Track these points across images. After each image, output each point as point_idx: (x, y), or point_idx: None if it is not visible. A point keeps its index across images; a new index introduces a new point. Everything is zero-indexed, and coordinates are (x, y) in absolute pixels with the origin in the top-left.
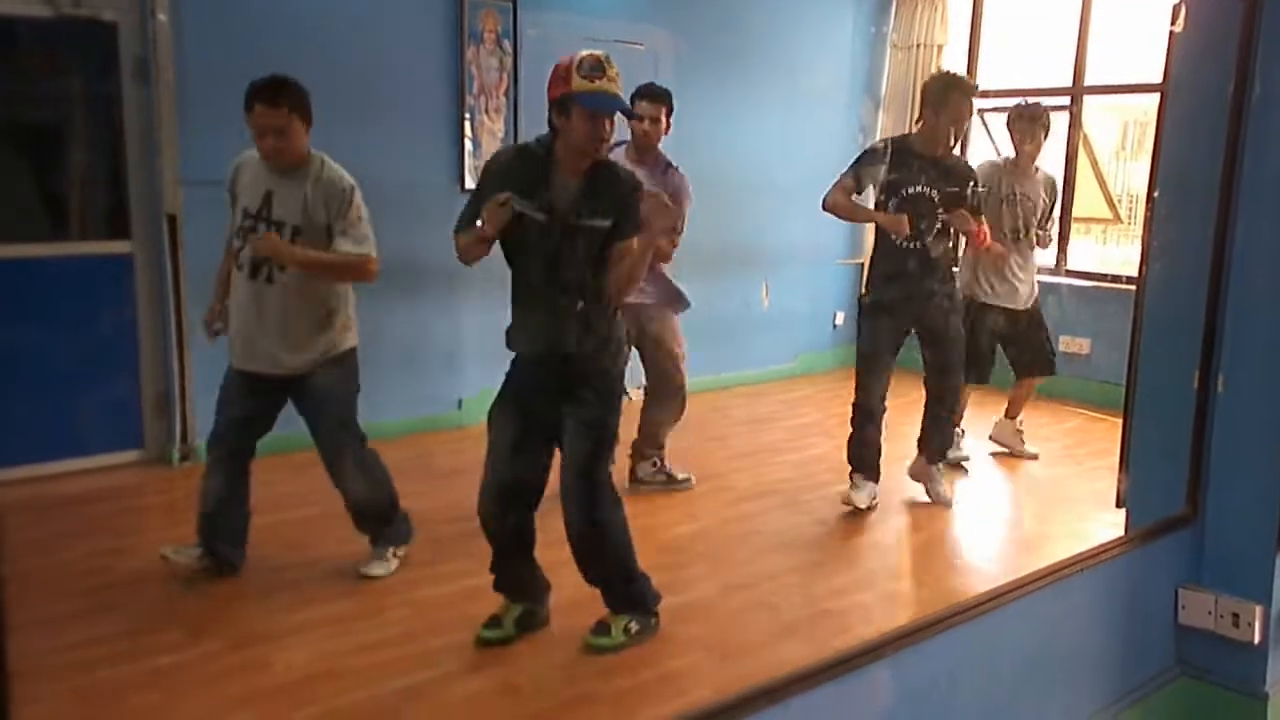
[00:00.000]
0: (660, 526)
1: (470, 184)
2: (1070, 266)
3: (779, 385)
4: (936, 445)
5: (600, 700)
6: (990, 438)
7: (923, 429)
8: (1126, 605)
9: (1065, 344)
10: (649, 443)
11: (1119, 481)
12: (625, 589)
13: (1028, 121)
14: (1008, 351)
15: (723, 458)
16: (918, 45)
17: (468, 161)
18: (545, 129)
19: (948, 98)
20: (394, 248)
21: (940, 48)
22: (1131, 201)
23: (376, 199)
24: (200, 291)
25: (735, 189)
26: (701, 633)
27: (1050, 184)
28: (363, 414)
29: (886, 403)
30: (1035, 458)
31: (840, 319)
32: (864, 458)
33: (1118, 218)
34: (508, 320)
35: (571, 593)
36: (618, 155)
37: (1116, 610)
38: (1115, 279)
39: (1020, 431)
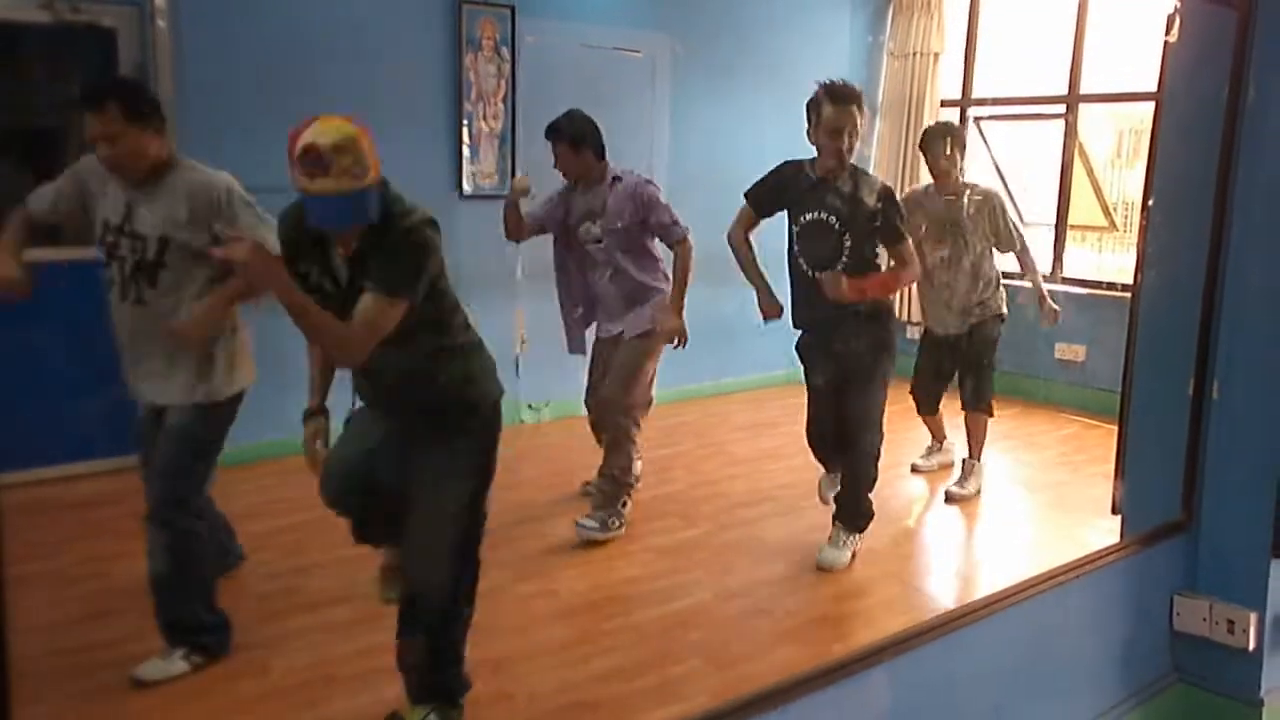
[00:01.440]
0: (657, 532)
1: (469, 189)
2: (1066, 274)
3: (778, 391)
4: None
5: (597, 707)
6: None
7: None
8: (1122, 612)
9: (1061, 351)
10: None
11: (1115, 488)
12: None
13: (936, 139)
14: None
15: (721, 463)
16: (914, 53)
17: (466, 168)
18: (543, 134)
19: (819, 109)
20: None
21: (936, 56)
22: (1127, 209)
23: None
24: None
25: (732, 195)
26: (699, 639)
27: (987, 199)
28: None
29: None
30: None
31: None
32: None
33: (1113, 225)
34: (508, 326)
35: (569, 598)
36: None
37: (1112, 617)
38: (1111, 286)
39: (951, 463)
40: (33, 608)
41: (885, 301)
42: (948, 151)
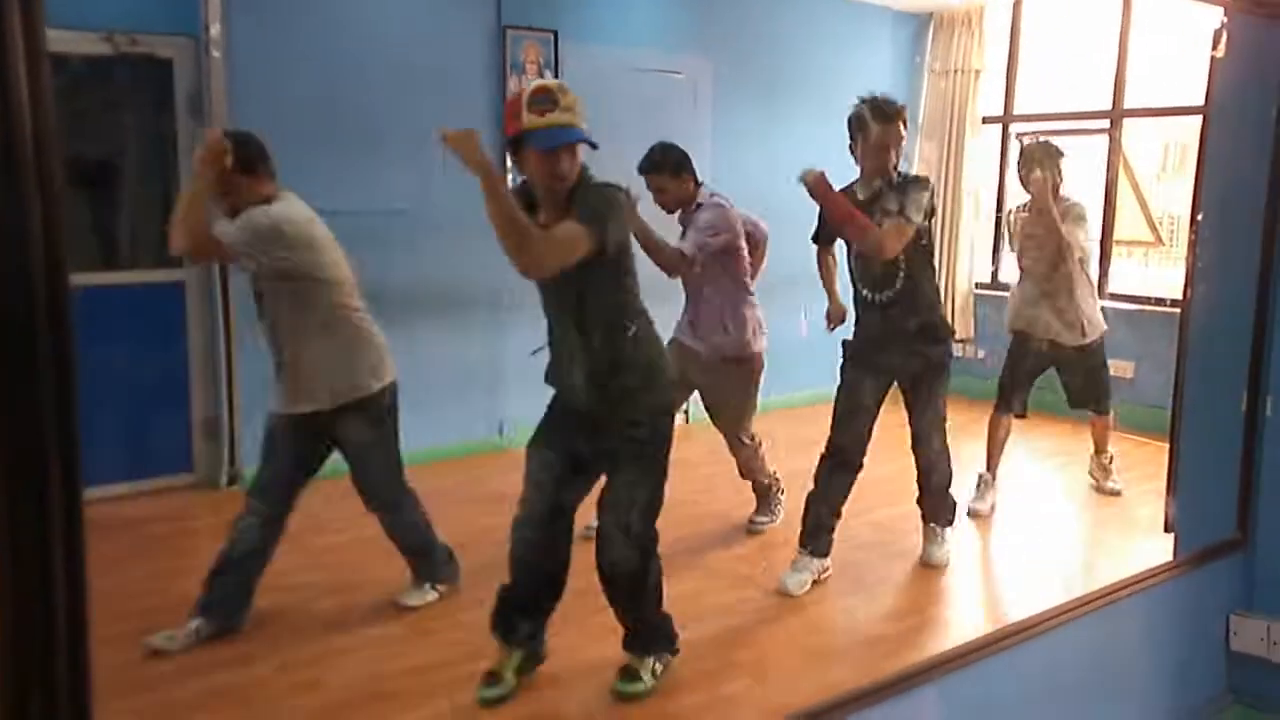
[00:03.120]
0: (704, 549)
1: None
2: (1113, 290)
3: (821, 410)
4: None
5: None
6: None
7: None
8: (1176, 631)
9: (1110, 367)
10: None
11: (1167, 506)
12: (656, 628)
13: (1029, 156)
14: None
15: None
16: (955, 70)
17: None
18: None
19: (863, 125)
20: (439, 276)
21: (978, 73)
22: (1173, 223)
23: (423, 228)
24: (248, 317)
25: (775, 215)
26: (746, 657)
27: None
28: (404, 440)
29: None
30: (1116, 494)
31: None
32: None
33: (1159, 240)
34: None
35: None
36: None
37: (1166, 636)
38: (1159, 301)
39: (1105, 468)
40: (97, 621)
41: (947, 323)
42: (1044, 171)
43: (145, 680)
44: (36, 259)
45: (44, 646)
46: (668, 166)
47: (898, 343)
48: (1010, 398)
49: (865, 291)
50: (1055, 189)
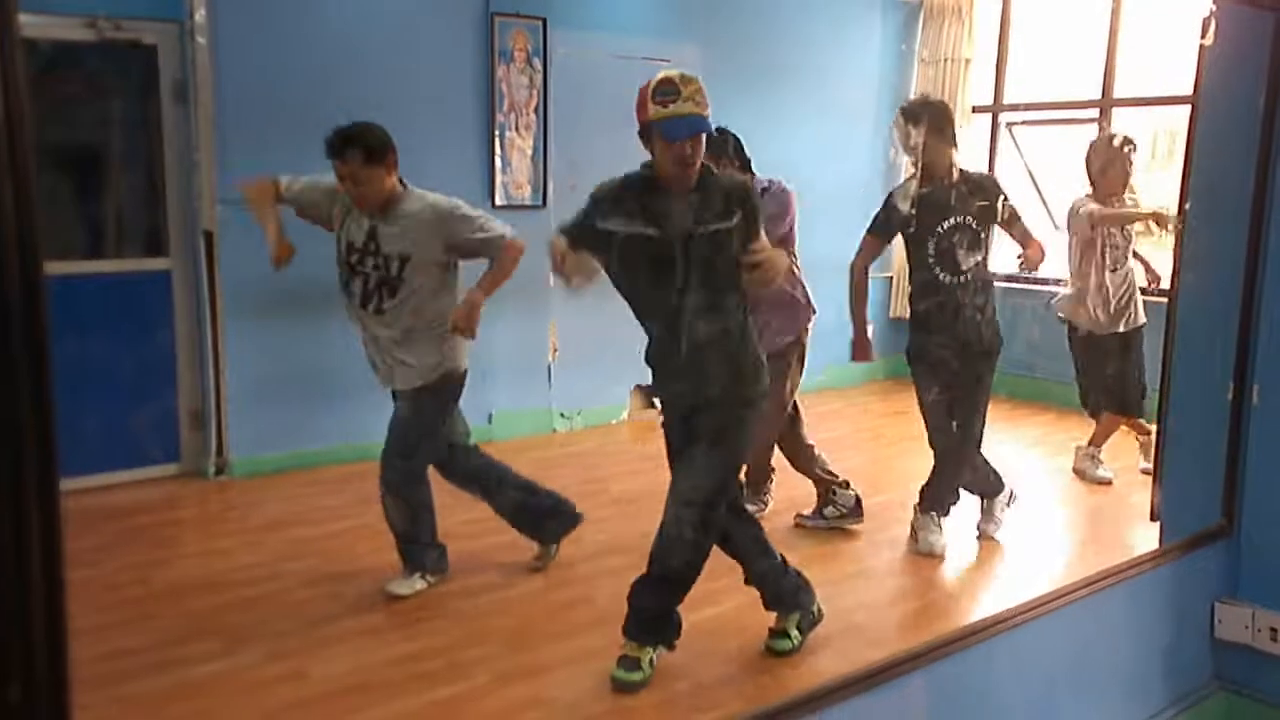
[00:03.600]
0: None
1: (500, 200)
2: None
3: (807, 398)
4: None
5: (634, 713)
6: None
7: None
8: (1163, 619)
9: None
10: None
11: (1153, 494)
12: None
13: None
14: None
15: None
16: (945, 59)
17: (498, 179)
18: (574, 145)
19: (919, 126)
20: None
21: (967, 62)
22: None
23: None
24: (235, 306)
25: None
26: (733, 646)
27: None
28: None
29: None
30: (1107, 483)
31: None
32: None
33: (1148, 228)
34: (539, 338)
35: (606, 604)
36: None
37: (1152, 624)
38: (1145, 290)
39: (1095, 458)
40: (76, 613)
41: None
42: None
43: (126, 671)
44: (9, 243)
45: (22, 638)
46: (728, 153)
47: (969, 325)
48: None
49: (944, 276)
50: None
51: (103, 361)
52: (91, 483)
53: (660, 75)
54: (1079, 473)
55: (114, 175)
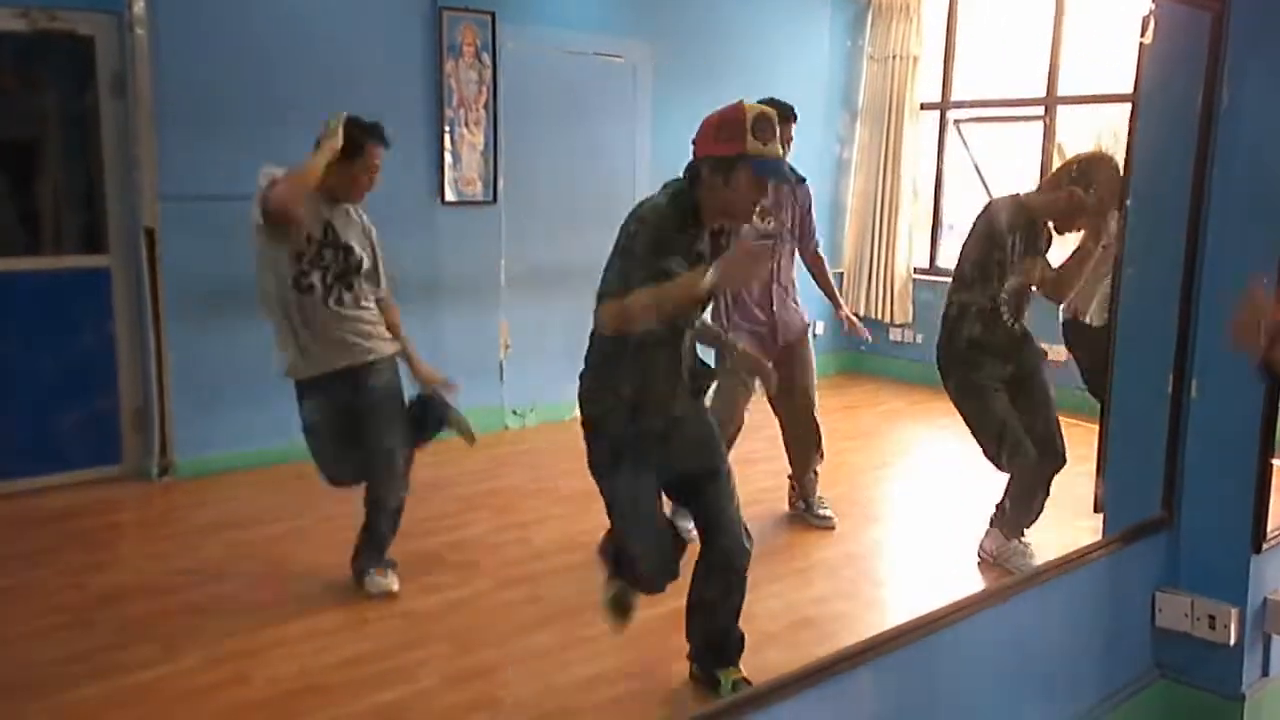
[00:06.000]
0: None
1: (451, 196)
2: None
3: (759, 394)
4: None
5: (581, 712)
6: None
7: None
8: (1104, 609)
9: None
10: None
11: (1096, 486)
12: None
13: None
14: None
15: None
16: (893, 57)
17: (448, 174)
18: (524, 141)
19: None
20: None
21: (915, 59)
22: None
23: None
24: (178, 305)
25: None
26: (684, 642)
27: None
28: None
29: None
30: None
31: (820, 328)
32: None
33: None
34: (490, 334)
35: (555, 603)
36: None
37: (1094, 614)
38: None
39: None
40: (14, 618)
41: None
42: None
43: (63, 678)
44: None
45: None
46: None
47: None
48: None
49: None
50: None
51: (40, 361)
52: (27, 485)
53: (759, 110)
54: None
55: (50, 170)
